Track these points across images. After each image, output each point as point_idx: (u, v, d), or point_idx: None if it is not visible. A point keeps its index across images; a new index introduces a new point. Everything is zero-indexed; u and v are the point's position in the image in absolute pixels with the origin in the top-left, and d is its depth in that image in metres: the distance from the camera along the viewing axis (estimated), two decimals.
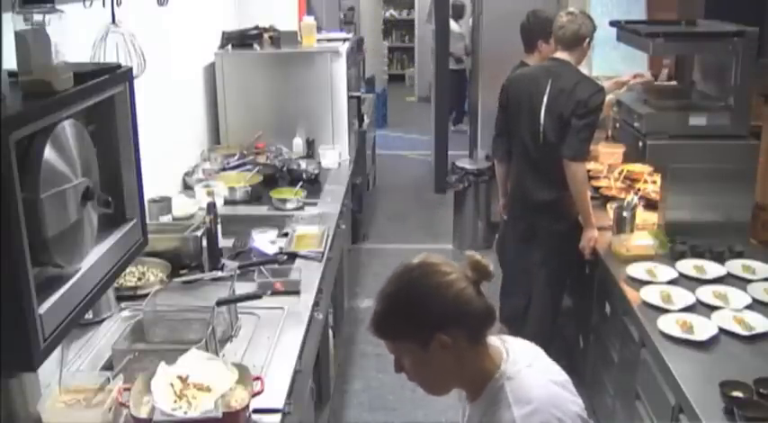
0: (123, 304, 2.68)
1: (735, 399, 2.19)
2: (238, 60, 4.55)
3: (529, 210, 3.76)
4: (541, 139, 3.57)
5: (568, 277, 3.87)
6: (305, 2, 5.64)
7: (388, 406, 3.89)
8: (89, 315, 2.50)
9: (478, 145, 6.10)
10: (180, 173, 4.04)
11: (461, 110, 9.30)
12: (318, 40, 4.80)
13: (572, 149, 3.47)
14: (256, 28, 4.72)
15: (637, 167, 4.09)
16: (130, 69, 1.97)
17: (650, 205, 3.72)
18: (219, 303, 2.42)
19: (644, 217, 3.58)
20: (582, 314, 3.81)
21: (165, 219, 3.33)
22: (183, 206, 3.47)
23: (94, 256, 1.78)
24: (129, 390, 2.00)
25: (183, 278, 2.88)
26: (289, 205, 3.79)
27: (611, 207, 3.67)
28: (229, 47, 4.58)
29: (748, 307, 2.76)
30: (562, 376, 1.66)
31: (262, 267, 2.93)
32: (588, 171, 3.80)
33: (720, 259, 3.15)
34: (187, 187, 3.97)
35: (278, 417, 2.11)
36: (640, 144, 3.41)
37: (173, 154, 3.84)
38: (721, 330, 2.60)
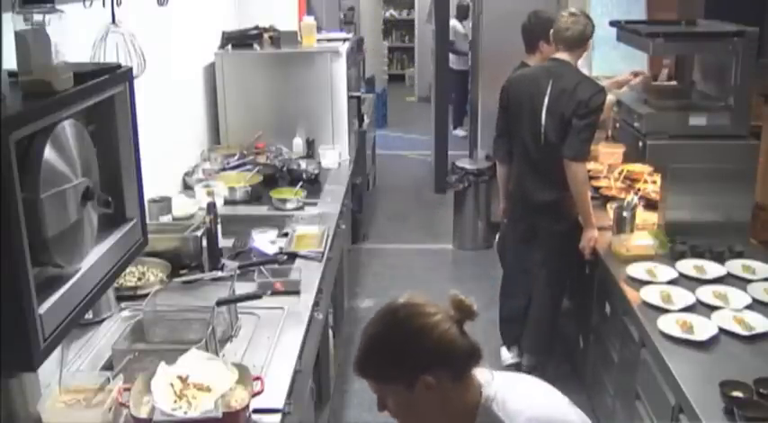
0: (123, 304, 2.68)
1: (735, 399, 2.19)
2: (238, 60, 4.55)
3: (529, 210, 3.77)
4: (542, 139, 3.57)
5: (568, 277, 3.87)
6: (305, 2, 5.64)
7: None
8: (89, 315, 2.50)
9: (478, 145, 6.10)
10: (180, 173, 4.04)
11: (463, 109, 9.29)
12: (318, 40, 4.80)
13: (573, 150, 3.47)
14: (256, 28, 4.72)
15: (637, 167, 4.09)
16: (130, 69, 1.97)
17: (650, 205, 3.73)
18: (219, 303, 2.42)
19: (644, 217, 3.58)
20: (582, 314, 3.81)
21: (165, 219, 3.33)
22: (183, 206, 3.47)
23: (94, 256, 1.77)
24: (129, 390, 2.00)
25: (183, 278, 2.87)
26: (289, 205, 3.79)
27: (611, 207, 3.67)
28: (229, 47, 4.58)
29: (748, 307, 2.76)
30: (556, 394, 1.66)
31: (262, 267, 2.93)
32: (588, 171, 3.80)
33: (720, 259, 3.15)
34: (187, 187, 3.97)
35: (278, 417, 2.10)
36: (640, 144, 3.41)
37: (173, 154, 3.84)
38: (721, 330, 2.60)
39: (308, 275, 2.98)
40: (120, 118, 1.93)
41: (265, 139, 4.48)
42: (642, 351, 2.75)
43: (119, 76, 1.88)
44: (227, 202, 3.83)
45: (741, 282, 2.98)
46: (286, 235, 3.36)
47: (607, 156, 4.37)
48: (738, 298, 2.82)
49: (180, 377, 2.01)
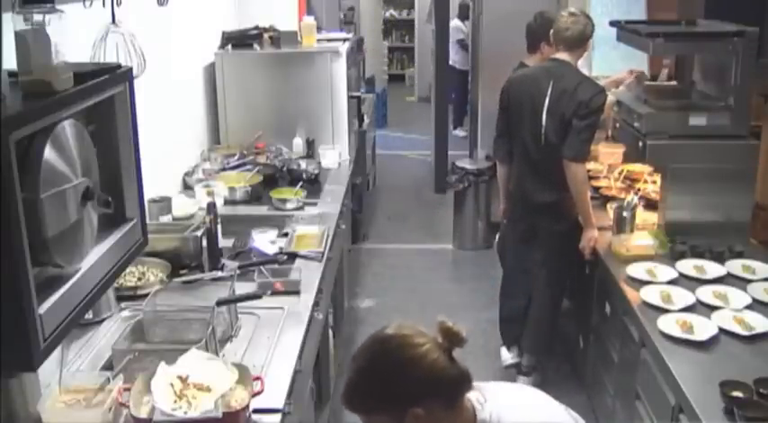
0: (123, 304, 2.68)
1: (735, 399, 2.19)
2: (238, 60, 4.55)
3: (529, 210, 3.77)
4: (543, 140, 3.57)
5: (568, 277, 3.87)
6: (305, 2, 5.64)
7: None
8: (89, 315, 2.50)
9: (478, 145, 6.10)
10: (180, 173, 4.04)
11: (464, 109, 9.29)
12: (318, 40, 4.80)
13: (573, 150, 3.47)
14: (256, 28, 4.72)
15: (637, 167, 4.09)
16: (130, 69, 1.97)
17: (650, 205, 3.72)
18: (219, 303, 2.42)
19: (644, 217, 3.58)
20: (582, 314, 3.81)
21: (165, 219, 3.33)
22: (183, 206, 3.47)
23: (94, 256, 1.77)
24: (129, 390, 2.00)
25: (183, 278, 2.87)
26: (289, 205, 3.79)
27: (611, 207, 3.67)
28: (229, 47, 4.58)
29: (748, 307, 2.76)
30: (552, 404, 1.66)
31: (262, 267, 2.93)
32: (588, 171, 3.80)
33: (720, 259, 3.15)
34: (187, 187, 3.97)
35: (278, 417, 2.10)
36: (640, 144, 3.41)
37: (173, 154, 3.84)
38: (721, 330, 2.60)
39: (308, 275, 2.98)
40: (120, 118, 1.93)
41: (265, 139, 4.48)
42: (642, 351, 2.75)
43: (119, 76, 1.88)
44: (227, 202, 3.83)
45: (741, 282, 2.98)
46: (286, 235, 3.36)
47: (607, 156, 4.37)
48: (738, 298, 2.82)
49: (180, 377, 2.01)
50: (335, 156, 4.54)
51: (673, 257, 3.21)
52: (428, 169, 7.62)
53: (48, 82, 1.58)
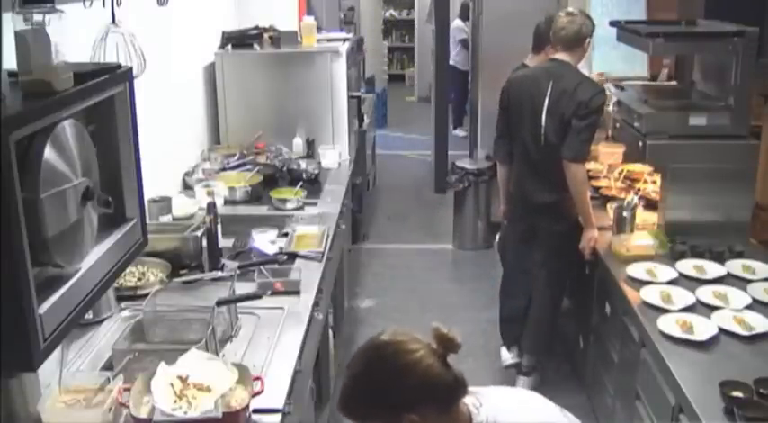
0: (123, 304, 2.67)
1: (735, 399, 2.19)
2: (238, 60, 4.55)
3: (529, 211, 3.77)
4: (543, 140, 3.57)
5: (568, 278, 3.87)
6: (305, 2, 5.64)
7: None
8: (89, 315, 2.50)
9: (478, 145, 6.10)
10: (180, 173, 4.04)
11: (463, 109, 9.29)
12: (318, 40, 4.80)
13: (572, 150, 3.47)
14: (256, 28, 4.72)
15: (637, 167, 4.09)
16: (130, 69, 1.97)
17: (650, 205, 3.72)
18: (219, 303, 2.42)
19: (644, 217, 3.58)
20: (582, 314, 3.81)
21: (165, 219, 3.33)
22: (183, 206, 3.47)
23: (94, 256, 1.77)
24: (129, 390, 2.00)
25: (183, 278, 2.87)
26: (289, 205, 3.79)
27: (611, 207, 3.67)
28: (229, 47, 4.58)
29: (748, 307, 2.76)
30: (548, 406, 1.66)
31: (262, 267, 2.93)
32: (588, 171, 3.80)
33: (720, 259, 3.15)
34: (187, 187, 3.97)
35: (278, 417, 2.10)
36: (640, 144, 3.41)
37: (173, 154, 3.84)
38: (721, 330, 2.60)
39: (308, 275, 2.98)
40: (120, 118, 1.93)
41: (265, 139, 4.48)
42: (642, 351, 2.75)
43: (119, 76, 1.88)
44: (227, 202, 3.83)
45: (741, 282, 2.98)
46: (286, 235, 3.36)
47: (607, 156, 4.37)
48: (738, 298, 2.82)
49: (180, 377, 2.01)
50: (335, 156, 4.54)
51: (673, 257, 3.21)
52: (428, 169, 7.62)
53: (48, 82, 1.58)
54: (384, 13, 11.86)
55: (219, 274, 2.90)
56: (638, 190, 3.93)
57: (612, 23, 3.87)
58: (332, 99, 4.60)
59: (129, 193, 1.99)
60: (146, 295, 2.51)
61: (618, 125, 3.88)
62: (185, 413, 1.91)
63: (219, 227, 3.08)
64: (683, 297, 2.84)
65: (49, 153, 1.53)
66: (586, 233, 3.54)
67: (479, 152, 6.07)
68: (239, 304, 2.55)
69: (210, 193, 3.50)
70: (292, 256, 3.16)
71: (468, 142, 6.86)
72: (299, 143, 4.57)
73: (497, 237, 4.57)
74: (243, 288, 2.67)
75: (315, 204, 3.88)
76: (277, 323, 2.61)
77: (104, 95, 1.82)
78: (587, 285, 3.64)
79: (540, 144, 3.59)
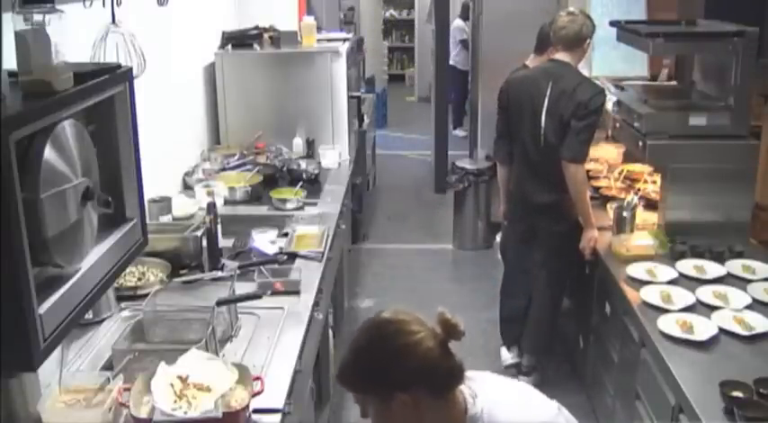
0: (123, 304, 2.68)
1: (735, 399, 2.19)
2: (238, 60, 4.55)
3: (529, 211, 3.77)
4: (542, 141, 3.57)
5: (568, 278, 3.87)
6: (305, 2, 5.64)
7: None
8: (89, 315, 2.50)
9: (478, 145, 6.10)
10: (180, 173, 4.04)
11: (463, 109, 9.29)
12: (318, 40, 4.80)
13: (571, 151, 3.46)
14: (256, 28, 4.72)
15: (637, 167, 4.09)
16: (130, 69, 1.97)
17: (650, 205, 3.72)
18: (219, 303, 2.42)
19: (644, 217, 3.58)
20: (582, 314, 3.81)
21: (165, 219, 3.33)
22: (183, 206, 3.47)
23: (94, 256, 1.77)
24: (129, 390, 2.00)
25: (183, 278, 2.87)
26: (289, 205, 3.79)
27: (611, 207, 3.67)
28: (229, 47, 4.58)
29: (748, 307, 2.76)
30: (545, 402, 1.67)
31: (262, 267, 2.93)
32: (588, 171, 3.80)
33: (720, 259, 3.15)
34: (187, 187, 3.97)
35: (278, 417, 2.10)
36: (640, 144, 3.41)
37: (173, 154, 3.84)
38: (721, 330, 2.60)
39: (308, 275, 2.98)
40: (120, 118, 1.93)
41: (265, 139, 4.48)
42: (642, 351, 2.75)
43: (119, 76, 1.88)
44: (227, 202, 3.83)
45: (741, 282, 2.98)
46: (286, 235, 3.36)
47: (607, 156, 4.37)
48: (738, 298, 2.82)
49: (180, 377, 2.01)
50: (335, 156, 4.54)
51: (673, 257, 3.21)
52: (428, 169, 7.62)
53: (48, 82, 1.58)
54: (384, 13, 11.86)
55: (219, 274, 2.90)
56: (638, 190, 3.93)
57: (612, 23, 3.87)
58: (332, 99, 4.60)
59: (129, 193, 1.99)
60: (146, 295, 2.51)
61: (618, 125, 3.88)
62: (185, 413, 1.91)
63: (219, 227, 3.08)
64: (683, 297, 2.84)
65: (49, 153, 1.53)
66: (586, 233, 3.54)
67: (479, 152, 6.07)
68: (239, 304, 2.55)
69: (210, 193, 3.49)
70: (292, 256, 3.16)
71: (468, 142, 6.86)
72: (299, 143, 4.57)
73: (497, 237, 4.56)
74: (243, 288, 2.67)
75: (315, 204, 3.88)
76: (277, 323, 2.61)
77: (104, 95, 1.82)
78: (587, 285, 3.64)
79: (540, 144, 3.59)
